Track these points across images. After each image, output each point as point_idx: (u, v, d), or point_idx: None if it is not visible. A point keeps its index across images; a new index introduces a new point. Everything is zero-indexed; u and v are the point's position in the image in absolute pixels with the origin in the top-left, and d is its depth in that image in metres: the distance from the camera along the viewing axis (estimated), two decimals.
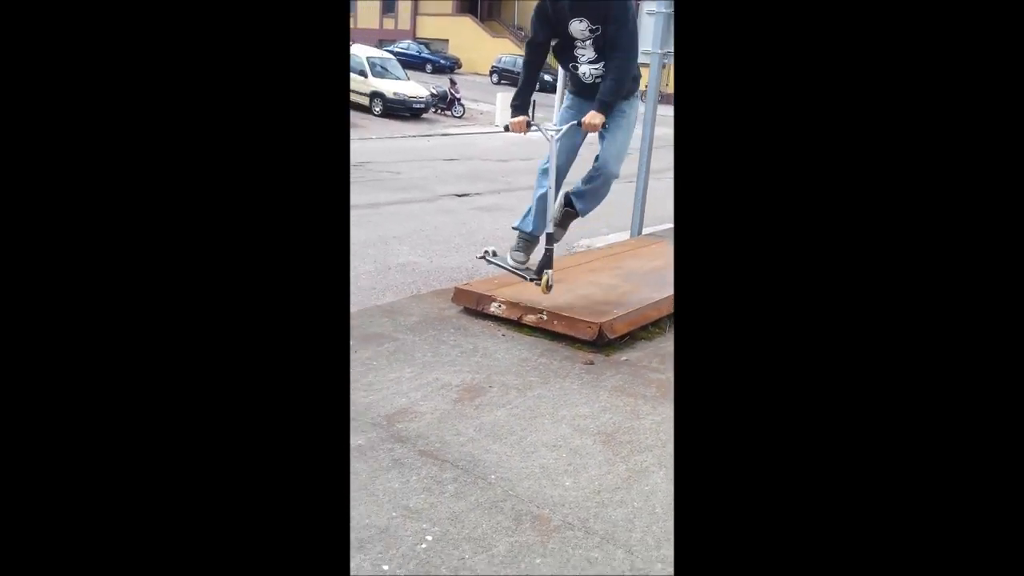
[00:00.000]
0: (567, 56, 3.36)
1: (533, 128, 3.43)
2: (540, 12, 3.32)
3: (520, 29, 32.94)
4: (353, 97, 16.40)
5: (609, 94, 3.21)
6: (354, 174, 8.97)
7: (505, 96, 15.61)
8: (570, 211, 3.51)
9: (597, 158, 3.38)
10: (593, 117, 3.23)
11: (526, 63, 3.49)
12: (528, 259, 3.60)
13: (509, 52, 29.91)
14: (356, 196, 7.47)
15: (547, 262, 3.37)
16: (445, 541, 1.92)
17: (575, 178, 3.56)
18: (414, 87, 18.13)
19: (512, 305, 3.52)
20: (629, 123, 3.39)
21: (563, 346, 3.33)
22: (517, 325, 3.49)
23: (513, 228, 3.63)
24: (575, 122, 3.31)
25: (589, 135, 3.43)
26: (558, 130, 3.32)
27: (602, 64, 3.28)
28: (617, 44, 3.17)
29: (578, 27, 3.21)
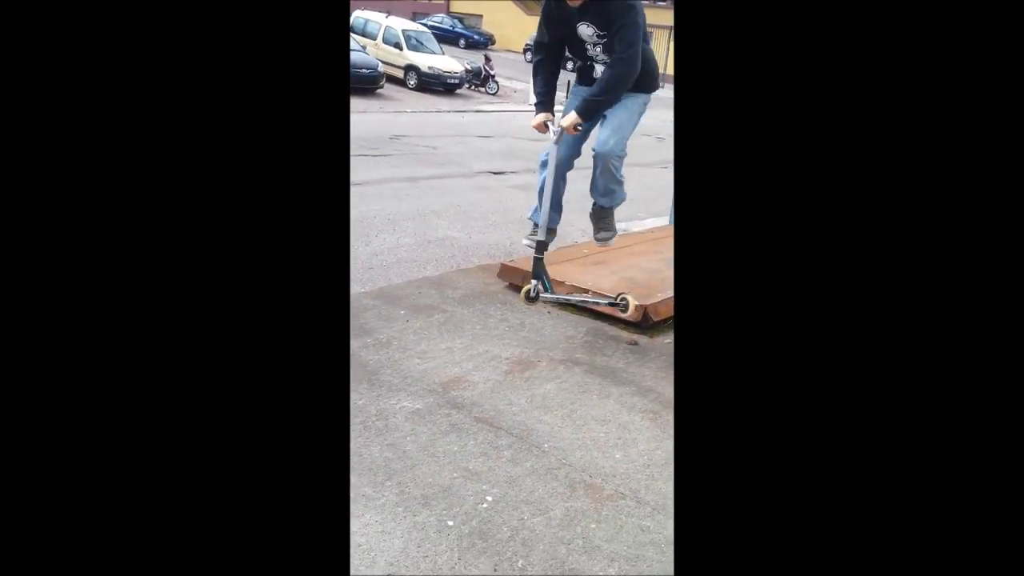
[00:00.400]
0: (582, 55, 3.25)
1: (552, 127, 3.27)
2: (546, 13, 3.19)
3: None
4: (388, 70, 16.42)
5: (595, 95, 3.08)
6: (390, 147, 9.05)
7: None
8: (596, 209, 3.47)
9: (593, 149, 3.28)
10: (566, 119, 3.11)
11: (538, 63, 3.30)
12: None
13: None
14: (394, 169, 7.57)
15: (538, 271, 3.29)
16: (504, 502, 2.03)
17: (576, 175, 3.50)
18: (449, 62, 18.11)
19: (557, 284, 3.60)
20: (630, 108, 3.22)
21: (608, 326, 3.41)
22: (562, 303, 3.58)
23: (528, 219, 3.64)
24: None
25: (593, 131, 3.31)
26: (558, 132, 3.19)
27: None
28: (612, 48, 3.02)
29: (586, 31, 3.10)
